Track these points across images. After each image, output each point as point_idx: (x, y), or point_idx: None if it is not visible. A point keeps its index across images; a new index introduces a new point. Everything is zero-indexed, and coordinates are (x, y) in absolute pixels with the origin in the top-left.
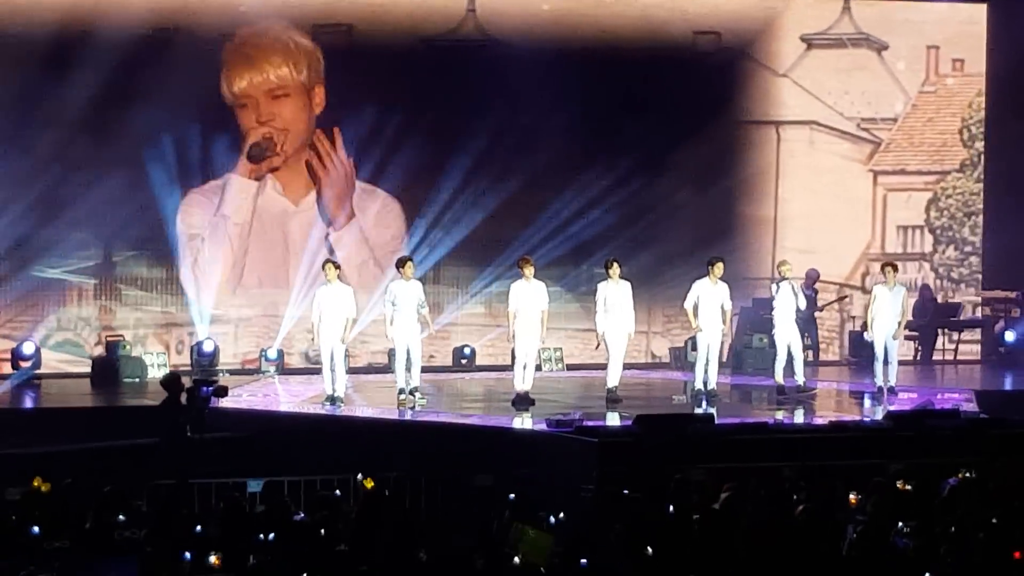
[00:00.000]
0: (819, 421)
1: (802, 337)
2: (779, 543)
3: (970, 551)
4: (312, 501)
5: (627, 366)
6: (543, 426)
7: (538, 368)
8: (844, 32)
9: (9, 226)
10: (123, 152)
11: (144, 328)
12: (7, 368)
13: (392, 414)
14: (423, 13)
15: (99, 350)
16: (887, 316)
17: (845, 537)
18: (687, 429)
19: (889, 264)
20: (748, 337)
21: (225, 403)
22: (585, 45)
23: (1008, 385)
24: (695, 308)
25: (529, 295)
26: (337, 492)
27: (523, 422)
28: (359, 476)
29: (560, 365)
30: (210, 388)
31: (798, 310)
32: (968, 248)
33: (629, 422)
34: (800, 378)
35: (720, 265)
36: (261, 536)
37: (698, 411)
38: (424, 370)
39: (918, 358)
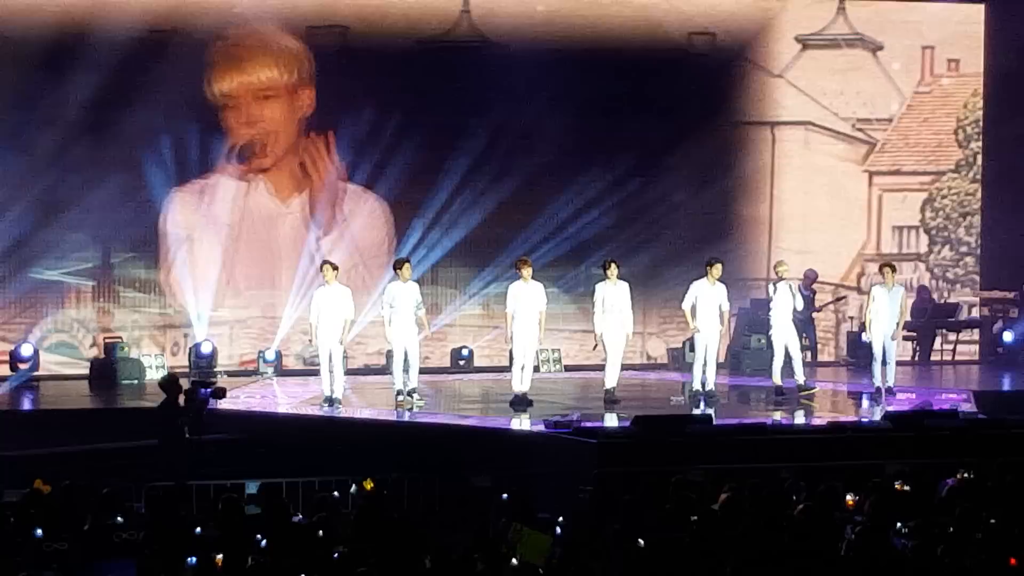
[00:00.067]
0: (817, 422)
1: (800, 338)
2: (778, 544)
3: (968, 552)
4: (311, 502)
5: (625, 367)
6: (541, 427)
7: (536, 369)
8: (839, 33)
9: (7, 228)
10: (121, 154)
11: (139, 330)
12: (6, 370)
13: (390, 415)
14: (418, 14)
15: (94, 352)
16: (885, 317)
17: (843, 538)
18: (685, 430)
19: (887, 265)
20: (746, 338)
21: (223, 405)
22: (580, 46)
23: (1006, 385)
24: (693, 309)
25: (527, 296)
26: (336, 493)
27: (521, 423)
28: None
29: (558, 366)
30: (208, 390)
31: (795, 311)
32: (963, 248)
33: (627, 423)
34: (800, 377)
35: (718, 266)
36: (259, 537)
37: (696, 412)
38: (422, 371)
39: (916, 359)
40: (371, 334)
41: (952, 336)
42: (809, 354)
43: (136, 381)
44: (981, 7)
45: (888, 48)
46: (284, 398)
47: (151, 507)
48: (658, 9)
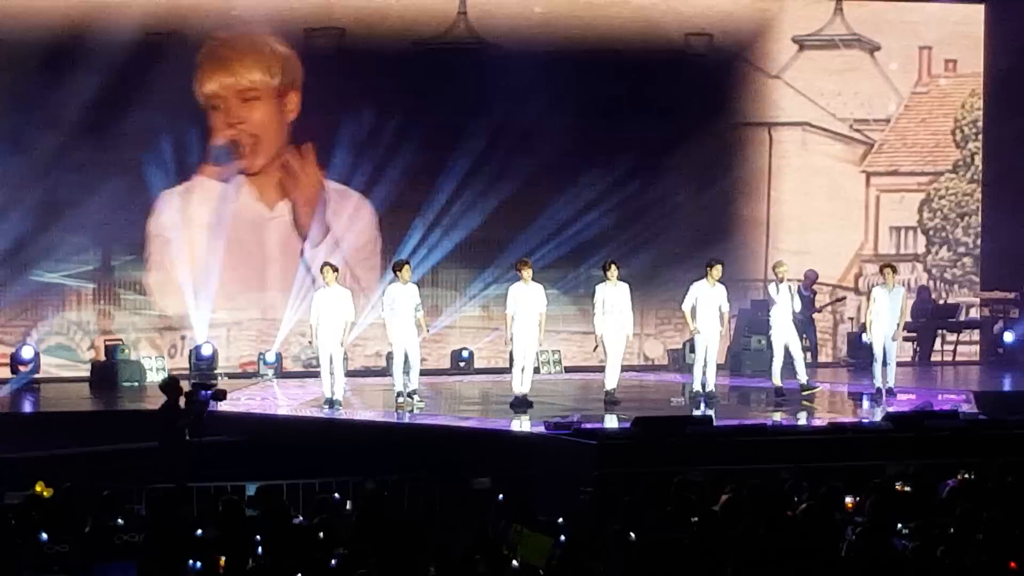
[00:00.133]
0: (818, 423)
1: (800, 338)
2: (778, 544)
3: (969, 553)
4: (311, 504)
5: (625, 368)
6: (541, 428)
7: (536, 370)
8: (836, 33)
9: (7, 230)
10: (122, 156)
11: (138, 332)
12: (6, 372)
13: (390, 417)
14: (414, 16)
15: (91, 354)
16: (886, 317)
17: (844, 538)
18: (686, 431)
19: (888, 265)
20: (746, 339)
21: (224, 407)
22: (578, 47)
23: (1007, 386)
24: (693, 310)
25: (527, 297)
26: (336, 495)
27: (521, 424)
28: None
29: (558, 367)
30: (209, 392)
31: (794, 312)
32: (961, 249)
33: (628, 424)
34: (802, 377)
35: (718, 267)
36: (259, 538)
37: (696, 413)
38: (422, 373)
39: (916, 359)
40: (370, 336)
41: (952, 337)
42: (809, 355)
43: (137, 383)
44: (980, 7)
45: (885, 48)
46: (284, 400)
47: (152, 509)
48: (655, 10)
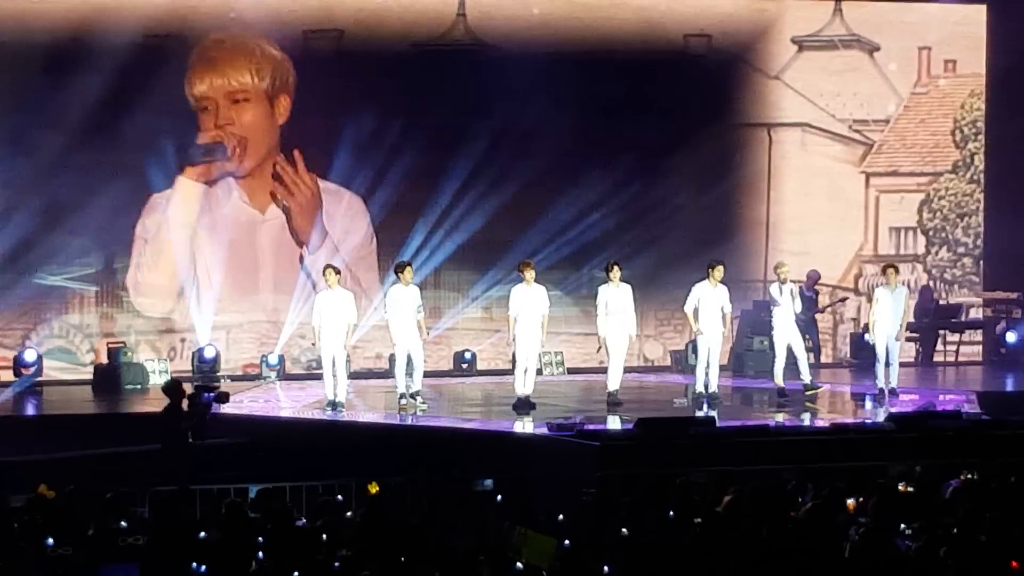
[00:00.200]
0: (820, 423)
1: (803, 339)
2: (781, 545)
3: (972, 553)
4: (314, 506)
5: (627, 369)
6: (544, 430)
7: (539, 372)
8: (835, 34)
9: (10, 233)
10: (124, 158)
11: (138, 334)
12: (9, 375)
13: (393, 419)
14: (413, 17)
15: (91, 358)
16: (888, 318)
17: (847, 539)
18: (688, 432)
19: (891, 266)
20: (748, 339)
21: (226, 409)
22: (578, 48)
23: (1010, 386)
24: (695, 311)
25: (530, 299)
26: (339, 497)
27: (524, 426)
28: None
29: (561, 369)
30: (212, 394)
31: (796, 312)
32: (961, 249)
33: (630, 425)
34: (806, 376)
35: (720, 268)
36: (261, 540)
37: (699, 414)
38: (424, 375)
39: (919, 359)
40: (372, 338)
41: (955, 337)
42: (812, 355)
43: (139, 386)
44: (982, 8)
45: (885, 49)
46: (287, 402)
47: (155, 512)
48: (655, 11)
